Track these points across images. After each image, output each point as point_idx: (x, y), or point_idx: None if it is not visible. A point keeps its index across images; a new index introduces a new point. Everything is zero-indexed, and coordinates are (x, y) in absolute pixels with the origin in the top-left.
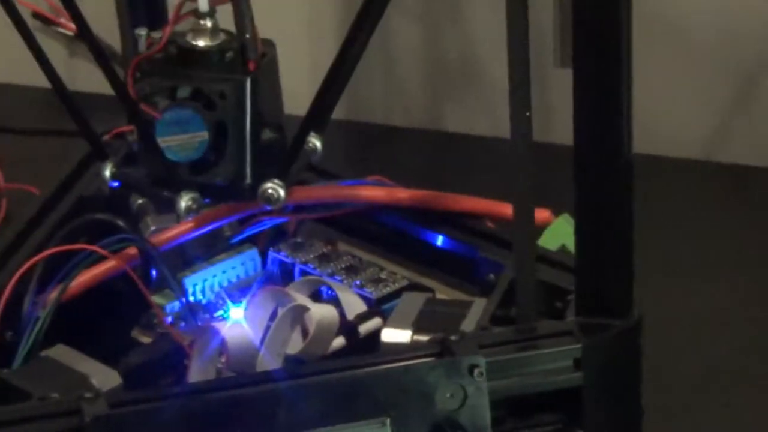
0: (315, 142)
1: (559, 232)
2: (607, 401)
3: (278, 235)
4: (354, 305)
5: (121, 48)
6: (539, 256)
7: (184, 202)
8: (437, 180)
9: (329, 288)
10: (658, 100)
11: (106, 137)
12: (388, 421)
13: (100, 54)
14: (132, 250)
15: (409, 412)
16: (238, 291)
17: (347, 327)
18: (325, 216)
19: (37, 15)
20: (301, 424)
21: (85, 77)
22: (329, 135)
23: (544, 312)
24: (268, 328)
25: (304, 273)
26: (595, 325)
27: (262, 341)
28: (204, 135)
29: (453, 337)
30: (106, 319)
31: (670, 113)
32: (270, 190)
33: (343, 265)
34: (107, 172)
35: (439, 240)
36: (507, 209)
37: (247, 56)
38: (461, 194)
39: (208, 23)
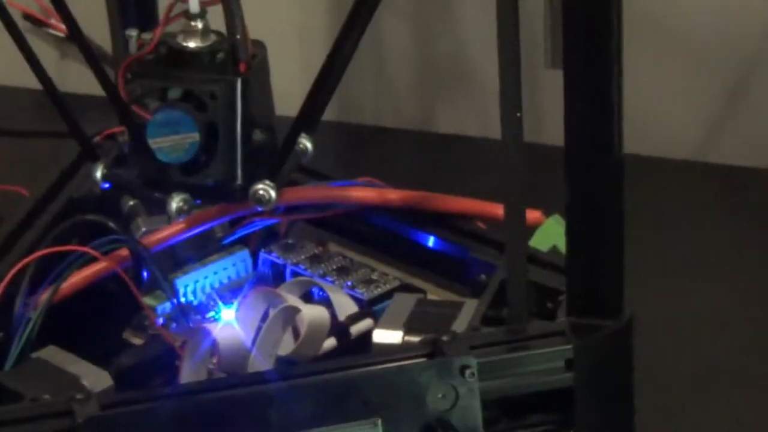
0: (306, 143)
1: (550, 233)
2: (599, 401)
3: (269, 236)
4: (345, 306)
5: (112, 49)
6: (530, 257)
7: (175, 203)
8: (428, 181)
9: (320, 289)
10: (650, 101)
11: (97, 138)
12: (379, 421)
13: (90, 55)
14: (123, 252)
15: (400, 412)
16: (230, 292)
17: (338, 328)
18: (316, 217)
19: (27, 16)
20: (292, 425)
21: (76, 78)
22: (320, 136)
23: (536, 313)
24: (259, 329)
25: (295, 274)
26: (587, 325)
27: (253, 342)
28: (195, 136)
29: (444, 338)
30: (97, 320)
31: (663, 114)
32: (261, 191)
33: (335, 266)
34: (98, 174)
35: (431, 241)
36: (498, 210)
37: (238, 57)
38: (452, 195)
39: (199, 24)
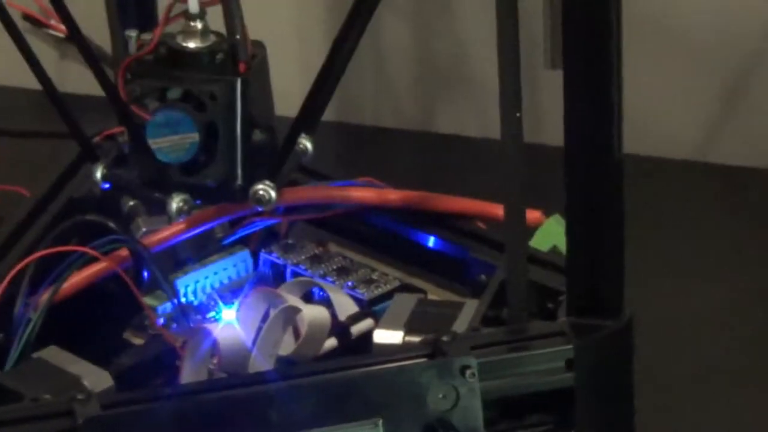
0: (306, 143)
1: (550, 233)
2: (599, 402)
3: (270, 237)
4: (346, 306)
5: (112, 50)
6: (530, 257)
7: (175, 203)
8: (428, 181)
9: (321, 289)
10: (650, 101)
11: (96, 139)
12: (380, 422)
13: (90, 56)
14: (123, 252)
15: (401, 413)
16: (230, 292)
17: (339, 328)
18: (317, 217)
19: (27, 17)
20: (293, 425)
21: (76, 79)
22: (320, 136)
23: (536, 313)
24: (259, 329)
25: (295, 274)
26: (587, 325)
27: (254, 342)
28: (194, 136)
29: (445, 338)
30: (98, 320)
31: (663, 114)
32: (261, 192)
33: (335, 267)
34: (98, 174)
35: (431, 241)
36: (498, 210)
37: (238, 57)
38: (452, 195)
39: (199, 25)
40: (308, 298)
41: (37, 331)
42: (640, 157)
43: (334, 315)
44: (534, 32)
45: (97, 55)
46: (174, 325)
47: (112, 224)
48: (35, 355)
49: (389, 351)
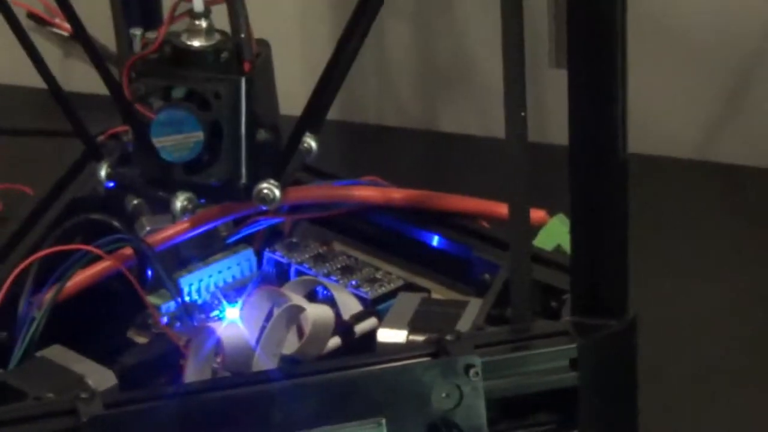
0: (310, 142)
1: (554, 232)
2: (603, 401)
3: (274, 236)
4: (349, 305)
5: (116, 48)
6: (534, 256)
7: (180, 202)
8: (432, 180)
9: (325, 288)
10: (650, 101)
11: (101, 138)
12: (383, 421)
13: (95, 54)
14: (127, 251)
15: (404, 412)
16: (234, 291)
17: (343, 327)
18: (321, 216)
19: (32, 15)
20: (296, 424)
21: (80, 78)
22: (324, 135)
23: (540, 312)
24: (263, 328)
25: (299, 273)
26: (591, 325)
27: (257, 341)
28: (199, 135)
29: (448, 337)
30: (101, 319)
31: (663, 113)
32: (265, 191)
33: (339, 266)
34: (102, 173)
35: (435, 240)
36: (502, 209)
37: (242, 56)
38: (456, 194)
39: (203, 23)
40: (312, 297)
41: (40, 330)
42: (641, 157)
43: (337, 314)
44: (539, 31)
45: (102, 53)
46: (178, 324)
47: (116, 223)
48: (39, 353)
49: (393, 350)
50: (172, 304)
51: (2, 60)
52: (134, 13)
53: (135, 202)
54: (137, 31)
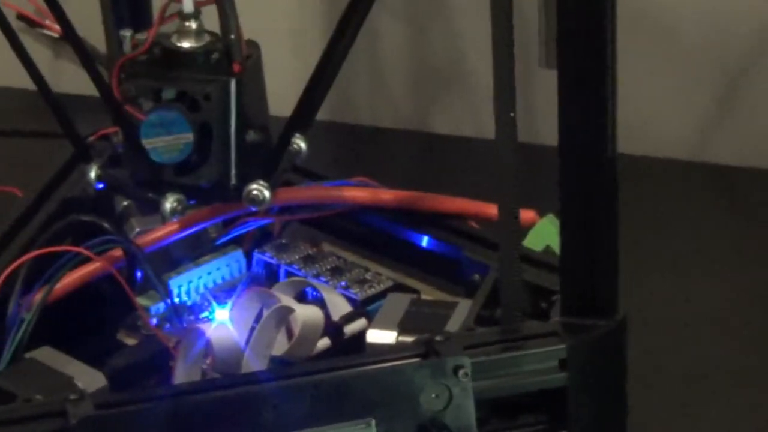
0: (300, 143)
1: (543, 233)
2: (592, 401)
3: (263, 237)
4: (339, 306)
5: (106, 49)
6: (524, 257)
7: (169, 203)
8: (422, 181)
9: (314, 289)
10: (648, 101)
11: (90, 139)
12: (373, 422)
13: (84, 55)
14: (117, 252)
15: (394, 412)
16: (224, 292)
17: (332, 328)
18: (310, 217)
19: (21, 17)
20: (286, 425)
21: (70, 79)
22: (314, 136)
23: (529, 313)
24: (253, 329)
25: (289, 274)
26: (580, 325)
27: (247, 342)
28: (189, 136)
29: (438, 338)
30: (91, 320)
31: (661, 114)
32: (255, 192)
33: (328, 266)
34: (92, 174)
35: (424, 241)
36: (492, 210)
37: (232, 58)
38: (446, 195)
39: (193, 25)
40: (301, 298)
41: (30, 332)
42: (639, 158)
43: (327, 315)
44: (528, 32)
45: (92, 55)
46: (167, 326)
47: (105, 224)
48: (28, 355)
49: (382, 351)
50: (161, 306)
51: None
52: (124, 14)
53: (125, 203)
54: (127, 33)
